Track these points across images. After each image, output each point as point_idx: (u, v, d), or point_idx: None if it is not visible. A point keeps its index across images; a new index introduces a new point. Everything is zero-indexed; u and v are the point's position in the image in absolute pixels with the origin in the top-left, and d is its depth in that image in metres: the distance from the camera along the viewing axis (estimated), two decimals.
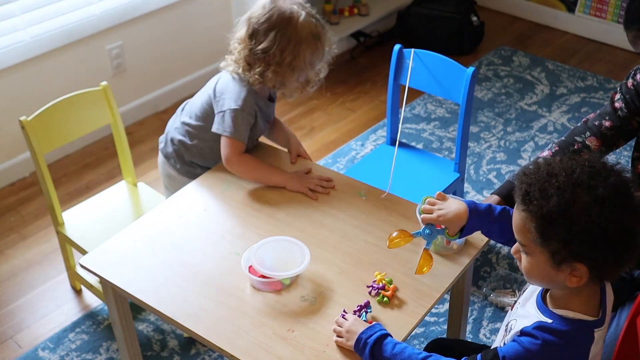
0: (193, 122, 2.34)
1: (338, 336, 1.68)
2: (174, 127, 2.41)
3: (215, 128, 2.23)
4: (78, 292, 2.84)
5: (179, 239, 2.03)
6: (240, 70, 2.22)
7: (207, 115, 2.30)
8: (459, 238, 1.78)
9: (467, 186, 3.26)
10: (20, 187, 3.40)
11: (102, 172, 3.48)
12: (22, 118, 2.41)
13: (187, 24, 3.87)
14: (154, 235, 2.05)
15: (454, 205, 1.74)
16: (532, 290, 1.55)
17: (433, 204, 1.77)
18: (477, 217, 1.72)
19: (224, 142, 2.22)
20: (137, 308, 2.67)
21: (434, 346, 1.90)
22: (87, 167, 3.52)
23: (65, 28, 3.35)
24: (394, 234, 1.79)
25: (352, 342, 1.63)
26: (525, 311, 1.50)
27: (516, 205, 1.41)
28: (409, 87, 2.61)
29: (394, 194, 2.15)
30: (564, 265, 1.37)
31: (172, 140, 2.40)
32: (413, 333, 2.27)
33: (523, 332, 1.44)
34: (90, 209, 2.72)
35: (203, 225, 2.07)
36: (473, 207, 1.72)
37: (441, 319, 2.64)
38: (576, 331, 1.41)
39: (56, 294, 2.84)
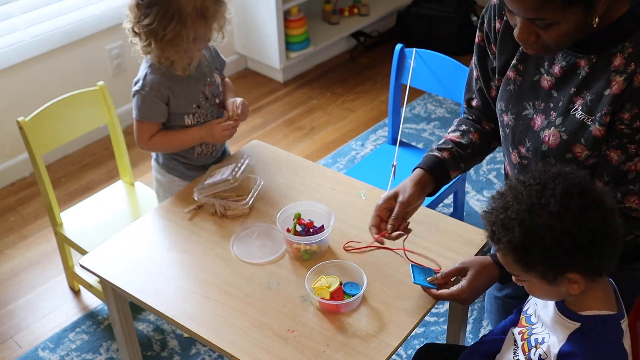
0: None
1: None
2: None
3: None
4: (76, 293, 2.84)
5: (179, 239, 2.02)
6: (130, 37, 2.20)
7: None
8: None
9: (467, 186, 3.26)
10: (20, 187, 3.40)
11: (101, 172, 3.48)
12: (20, 119, 2.41)
13: None
14: (153, 235, 2.04)
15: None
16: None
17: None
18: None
19: (134, 125, 2.25)
20: (137, 308, 2.67)
21: (426, 349, 1.90)
22: (86, 167, 3.52)
23: (65, 28, 3.35)
24: None
25: None
26: (549, 320, 1.49)
27: (492, 245, 1.44)
28: (409, 87, 2.61)
29: None
30: (558, 280, 1.39)
31: None
32: (413, 333, 2.27)
33: (562, 354, 1.42)
34: (88, 209, 2.72)
35: (203, 225, 2.07)
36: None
37: (441, 319, 2.64)
38: (607, 329, 1.42)
39: (56, 294, 2.84)
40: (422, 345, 1.96)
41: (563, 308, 1.47)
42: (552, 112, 1.64)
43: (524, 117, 1.70)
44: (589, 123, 1.57)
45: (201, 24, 2.13)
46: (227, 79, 2.45)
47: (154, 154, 2.43)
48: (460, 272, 1.72)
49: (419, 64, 2.66)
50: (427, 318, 2.59)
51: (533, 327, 1.54)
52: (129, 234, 2.05)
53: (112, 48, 3.59)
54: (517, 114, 1.71)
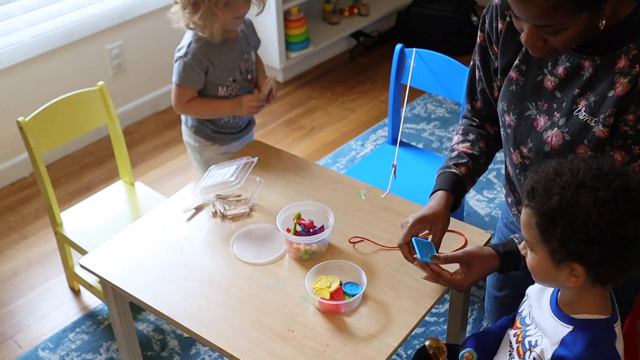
0: None
1: None
2: None
3: (172, 79, 2.40)
4: (76, 293, 2.84)
5: (179, 239, 2.03)
6: (178, 8, 2.33)
7: None
8: None
9: None
10: (20, 187, 3.40)
11: (102, 172, 3.48)
12: (20, 119, 2.41)
13: None
14: (153, 235, 2.04)
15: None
16: (539, 297, 1.55)
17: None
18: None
19: (173, 89, 2.41)
20: (137, 308, 2.67)
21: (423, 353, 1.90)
22: (87, 167, 3.52)
23: (65, 28, 3.35)
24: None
25: None
26: (542, 322, 1.49)
27: (523, 200, 1.41)
28: (409, 87, 2.61)
29: (394, 194, 2.15)
30: (563, 265, 1.37)
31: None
32: (413, 333, 2.27)
33: (556, 358, 1.42)
34: (87, 209, 2.72)
35: (203, 225, 2.07)
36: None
37: (441, 319, 2.64)
38: (600, 333, 1.41)
39: (56, 294, 2.84)
40: (422, 345, 1.96)
41: (557, 310, 1.46)
42: (555, 112, 1.64)
43: (526, 117, 1.70)
44: (592, 124, 1.57)
45: None
46: (260, 58, 2.61)
47: (183, 118, 2.57)
48: (462, 260, 1.70)
49: (419, 64, 2.66)
50: (427, 318, 2.59)
51: (527, 328, 1.54)
52: (129, 234, 2.05)
53: (112, 48, 3.59)
54: (520, 114, 1.71)
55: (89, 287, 2.69)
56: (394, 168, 2.18)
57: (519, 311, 1.62)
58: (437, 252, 1.73)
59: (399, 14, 4.50)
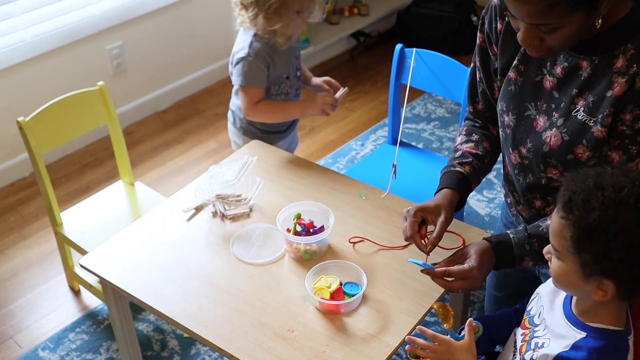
0: (234, 87, 2.50)
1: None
2: (232, 103, 2.58)
3: (233, 81, 2.38)
4: (76, 293, 2.84)
5: (179, 239, 2.02)
6: (237, 11, 2.32)
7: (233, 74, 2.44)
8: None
9: None
10: (20, 187, 3.40)
11: (102, 172, 3.48)
12: (20, 119, 2.41)
13: (187, 24, 3.87)
14: (153, 235, 2.04)
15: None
16: (552, 299, 1.53)
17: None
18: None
19: (240, 92, 2.38)
20: (137, 308, 2.67)
21: None
22: (87, 167, 3.52)
23: (65, 28, 3.35)
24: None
25: None
26: (554, 325, 1.47)
27: (556, 209, 1.38)
28: (410, 87, 2.61)
29: (394, 194, 2.15)
30: (592, 278, 1.35)
31: (231, 109, 2.58)
32: (413, 333, 2.26)
33: (560, 359, 1.41)
34: (88, 209, 2.72)
35: (203, 225, 2.07)
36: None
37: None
38: (613, 343, 1.40)
39: (56, 294, 2.84)
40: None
41: (571, 316, 1.45)
42: (553, 112, 1.64)
43: (525, 117, 1.69)
44: (591, 124, 1.57)
45: None
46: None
47: (231, 117, 2.56)
48: (461, 257, 1.69)
49: (419, 64, 2.66)
50: (427, 318, 2.59)
51: (536, 329, 1.53)
52: (129, 234, 2.05)
53: (112, 48, 3.59)
54: (519, 115, 1.71)
55: (89, 287, 2.69)
56: (394, 168, 2.18)
57: (527, 309, 1.60)
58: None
59: (399, 14, 4.50)
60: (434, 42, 4.15)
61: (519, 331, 1.58)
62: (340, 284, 1.80)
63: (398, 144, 2.51)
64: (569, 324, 1.44)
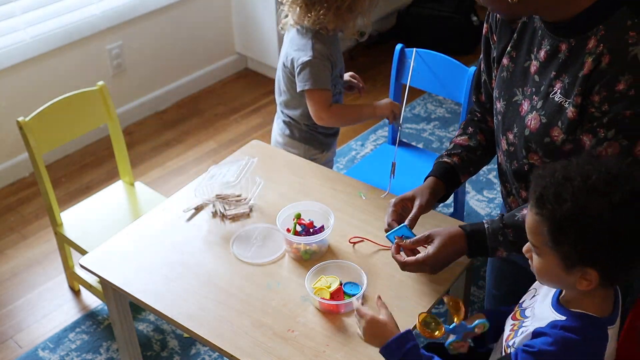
0: (287, 96, 2.41)
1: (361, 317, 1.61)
2: (278, 118, 2.52)
3: (299, 87, 2.30)
4: (76, 293, 2.84)
5: (179, 239, 2.02)
6: (297, 13, 2.25)
7: (293, 81, 2.35)
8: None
9: (467, 186, 3.26)
10: (20, 187, 3.40)
11: (102, 172, 3.48)
12: (20, 119, 2.41)
13: (187, 24, 3.87)
14: (154, 235, 2.04)
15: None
16: (546, 294, 1.54)
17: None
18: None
19: (308, 97, 2.30)
20: (137, 308, 2.67)
21: (429, 349, 1.90)
22: (87, 167, 3.52)
23: (65, 28, 3.35)
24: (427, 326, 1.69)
25: (374, 343, 1.58)
26: (539, 313, 1.49)
27: (529, 207, 1.40)
28: (409, 87, 2.61)
29: (394, 194, 2.15)
30: (575, 269, 1.36)
31: (284, 122, 2.48)
32: (413, 333, 2.26)
33: (536, 333, 1.43)
34: (88, 209, 2.72)
35: (203, 225, 2.07)
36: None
37: (441, 319, 2.63)
38: (589, 327, 1.41)
39: (56, 293, 2.84)
40: (425, 343, 1.96)
41: (556, 305, 1.46)
42: (534, 96, 1.66)
43: (513, 103, 1.72)
44: (566, 105, 1.58)
45: None
46: None
47: (285, 131, 2.47)
48: (427, 240, 1.74)
49: (419, 64, 2.66)
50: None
51: (525, 321, 1.53)
52: (129, 234, 2.05)
53: (112, 48, 3.59)
54: (508, 101, 1.73)
55: (89, 287, 2.69)
56: (393, 167, 2.18)
57: (520, 301, 1.61)
58: (412, 231, 1.79)
59: (399, 14, 4.50)
60: (434, 42, 4.15)
61: (509, 322, 1.59)
62: (340, 284, 1.80)
63: (397, 144, 2.51)
64: (553, 310, 1.46)
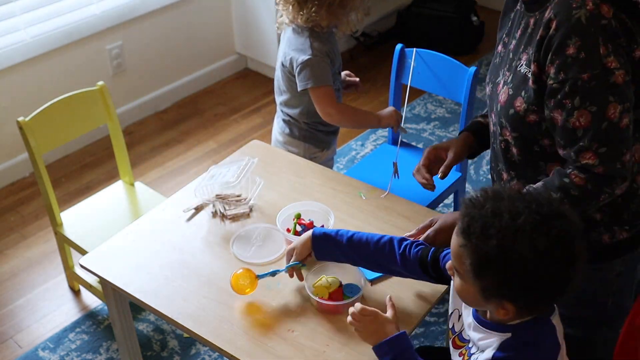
0: (287, 95, 2.41)
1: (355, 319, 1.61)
2: (278, 117, 2.51)
3: (300, 87, 2.29)
4: (76, 293, 2.84)
5: (179, 239, 2.02)
6: (290, 12, 2.26)
7: (292, 80, 2.35)
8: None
9: (467, 186, 3.26)
10: (20, 187, 3.40)
11: (102, 172, 3.48)
12: (20, 119, 2.41)
13: (187, 24, 3.87)
14: (154, 235, 2.04)
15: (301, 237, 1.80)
16: (467, 314, 1.52)
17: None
18: (323, 241, 1.76)
19: (313, 95, 2.30)
20: (137, 308, 2.67)
21: (421, 351, 1.89)
22: (86, 167, 3.52)
23: (65, 28, 3.35)
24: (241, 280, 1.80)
25: (370, 341, 1.58)
26: (477, 340, 1.46)
27: (455, 232, 1.38)
28: (410, 87, 2.61)
29: (394, 194, 2.15)
30: (492, 300, 1.37)
31: (284, 121, 2.48)
32: (413, 333, 2.26)
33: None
34: (88, 209, 2.72)
35: (203, 225, 2.07)
36: (318, 233, 1.77)
37: (441, 319, 2.64)
38: (539, 329, 1.40)
39: (56, 294, 2.84)
40: (416, 347, 1.95)
41: (488, 323, 1.44)
42: (507, 72, 1.71)
43: (496, 83, 1.77)
44: (529, 76, 1.62)
45: None
46: None
47: (281, 128, 2.48)
48: (431, 224, 1.84)
49: (419, 64, 2.66)
50: (427, 318, 2.59)
51: (469, 346, 1.51)
52: (129, 234, 2.05)
53: (112, 48, 3.59)
54: (493, 83, 1.79)
55: (89, 287, 2.69)
56: (395, 167, 2.18)
57: (450, 326, 1.60)
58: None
59: (399, 14, 4.50)
60: (434, 42, 4.15)
61: (454, 352, 1.57)
62: (340, 285, 1.80)
63: (399, 143, 2.51)
64: (490, 331, 1.43)
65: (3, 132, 3.31)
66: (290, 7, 2.26)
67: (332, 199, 2.13)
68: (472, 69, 2.52)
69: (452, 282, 1.54)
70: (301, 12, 2.24)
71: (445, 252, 1.64)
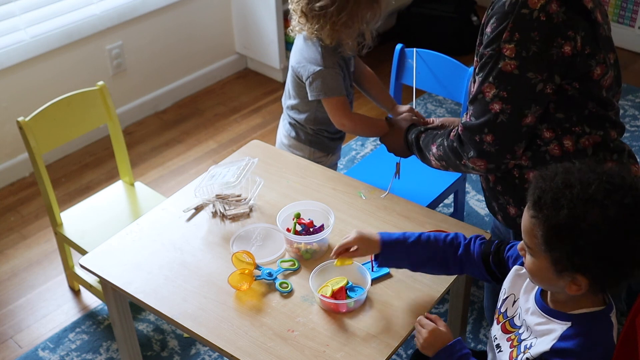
0: (295, 100, 2.39)
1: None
2: (284, 120, 2.49)
3: (312, 97, 2.27)
4: (77, 293, 2.84)
5: (179, 239, 2.03)
6: (297, 21, 2.25)
7: (302, 86, 2.33)
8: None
9: (467, 186, 3.26)
10: (20, 187, 3.40)
11: (102, 172, 3.48)
12: (20, 119, 2.41)
13: (187, 24, 3.87)
14: (153, 235, 2.04)
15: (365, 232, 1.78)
16: (526, 299, 1.53)
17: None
18: (389, 247, 1.75)
19: (327, 105, 2.28)
20: (137, 308, 2.67)
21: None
22: (86, 167, 3.52)
23: (65, 28, 3.35)
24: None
25: (429, 351, 1.61)
26: (535, 325, 1.47)
27: (527, 207, 1.39)
28: (409, 87, 2.61)
29: (394, 193, 2.15)
30: (565, 274, 1.36)
31: (290, 124, 2.45)
32: (413, 333, 2.26)
33: (553, 351, 1.41)
34: (88, 209, 2.72)
35: (203, 225, 2.07)
36: (387, 239, 1.75)
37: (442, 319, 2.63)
38: (598, 324, 1.41)
39: (56, 293, 2.84)
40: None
41: (550, 310, 1.45)
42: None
43: None
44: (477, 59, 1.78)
45: (374, 8, 2.24)
46: (369, 69, 2.56)
47: (292, 133, 2.45)
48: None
49: (419, 64, 2.66)
50: None
51: (520, 332, 1.52)
52: (129, 234, 2.05)
53: (112, 48, 3.59)
54: None
55: (89, 287, 2.69)
56: (397, 167, 2.18)
57: (502, 311, 1.60)
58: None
59: (399, 14, 4.50)
60: (434, 42, 4.15)
61: (499, 333, 1.58)
62: (345, 284, 1.80)
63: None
64: (551, 317, 1.45)
65: (3, 132, 3.31)
66: (298, 17, 2.25)
67: (332, 199, 2.13)
68: (472, 69, 2.52)
69: (511, 267, 1.58)
70: (307, 25, 2.24)
71: (510, 244, 1.66)
